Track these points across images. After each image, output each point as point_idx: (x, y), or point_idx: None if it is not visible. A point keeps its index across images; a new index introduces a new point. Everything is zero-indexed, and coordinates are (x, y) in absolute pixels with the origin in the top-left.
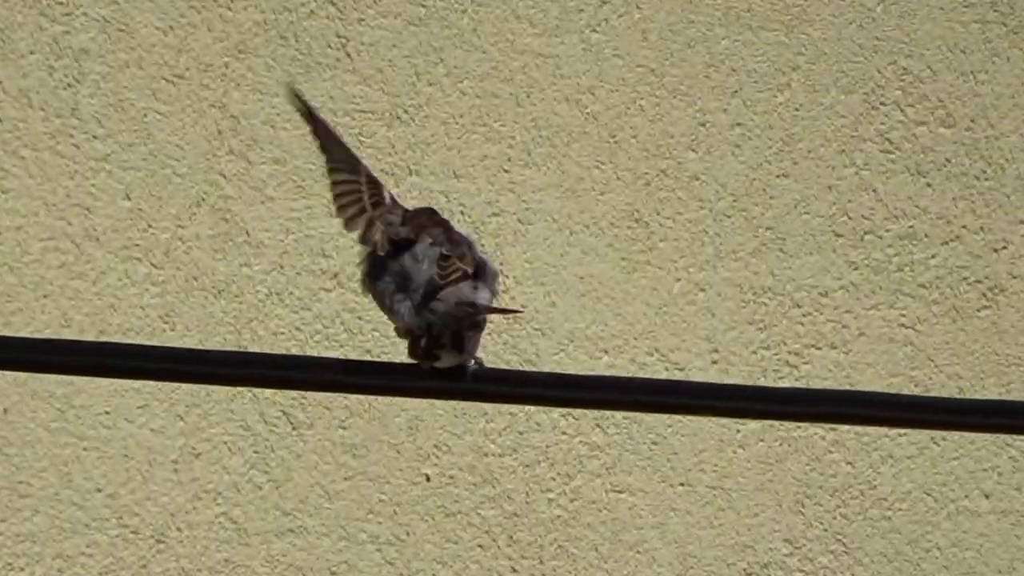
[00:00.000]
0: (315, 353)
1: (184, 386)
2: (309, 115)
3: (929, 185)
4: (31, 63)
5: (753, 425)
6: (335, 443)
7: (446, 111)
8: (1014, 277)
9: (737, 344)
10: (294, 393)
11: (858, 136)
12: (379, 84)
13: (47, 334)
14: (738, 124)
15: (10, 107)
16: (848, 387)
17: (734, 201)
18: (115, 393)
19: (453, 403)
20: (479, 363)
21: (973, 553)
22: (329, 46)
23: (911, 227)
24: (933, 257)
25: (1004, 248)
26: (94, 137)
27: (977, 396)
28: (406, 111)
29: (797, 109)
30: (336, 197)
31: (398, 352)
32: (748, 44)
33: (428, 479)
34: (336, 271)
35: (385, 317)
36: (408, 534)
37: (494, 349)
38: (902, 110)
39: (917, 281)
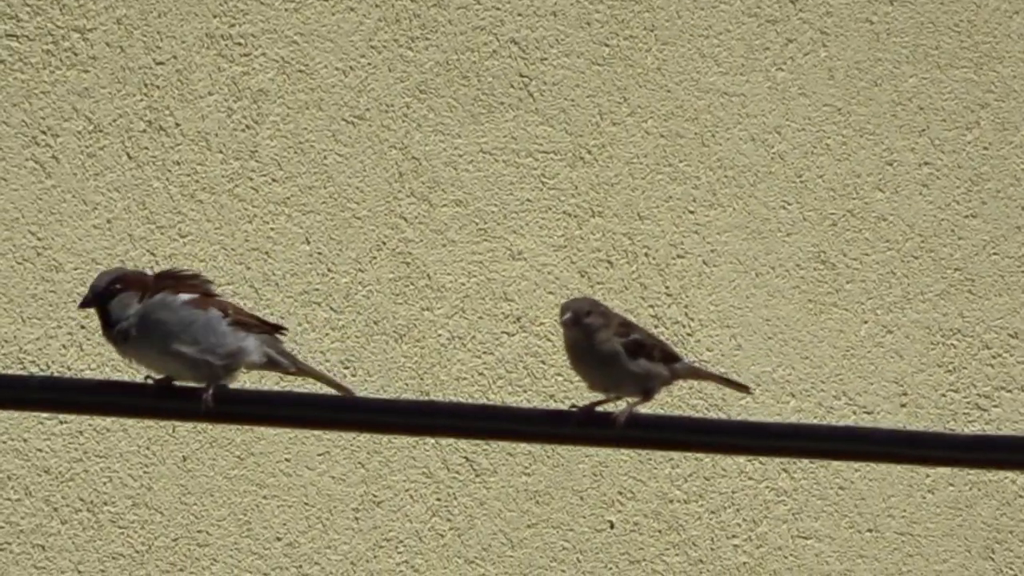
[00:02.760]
0: (498, 399)
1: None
2: None
3: None
4: (210, 105)
5: (942, 469)
6: (518, 490)
7: (630, 151)
8: None
9: (926, 387)
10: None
11: None
12: (562, 124)
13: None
14: (926, 163)
15: (188, 150)
16: None
17: (922, 242)
18: (295, 440)
19: (638, 449)
20: None
21: None
22: (512, 86)
23: None
24: None
25: None
26: (273, 180)
27: None
28: (589, 151)
29: (986, 148)
30: None
31: (581, 396)
32: (936, 82)
33: (612, 526)
34: (519, 315)
35: (568, 362)
36: None
37: (680, 394)
38: None
39: None
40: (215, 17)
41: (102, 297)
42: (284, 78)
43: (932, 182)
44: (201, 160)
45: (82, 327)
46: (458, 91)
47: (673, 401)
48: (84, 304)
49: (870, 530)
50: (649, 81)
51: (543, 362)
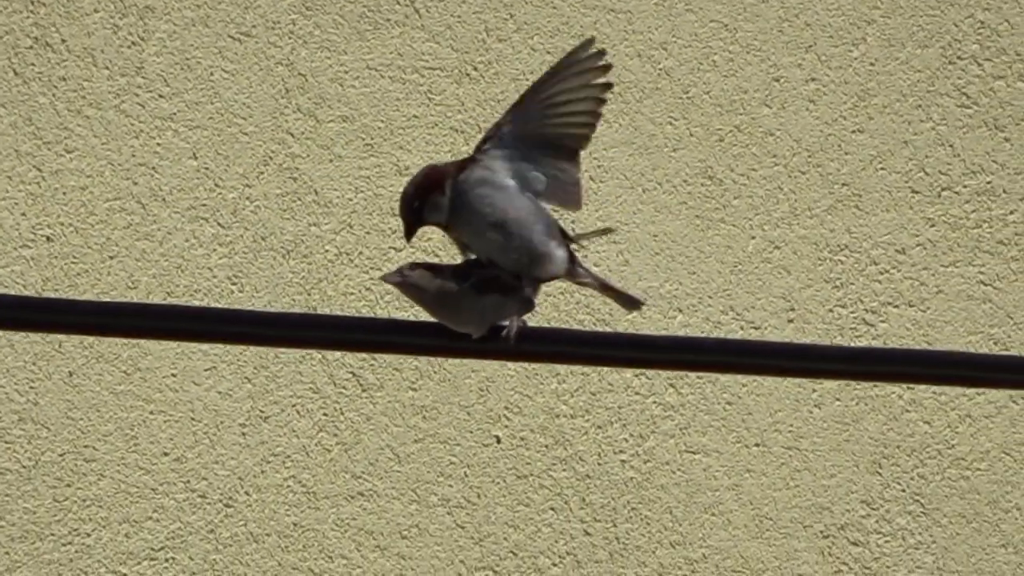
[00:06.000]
0: (385, 314)
1: (252, 348)
2: None
3: (1007, 140)
4: (95, 21)
5: (829, 384)
6: (405, 405)
7: (516, 67)
8: None
9: (813, 302)
10: (364, 355)
11: (935, 91)
12: (448, 41)
13: (113, 296)
14: (813, 79)
15: (74, 66)
16: (926, 345)
17: (809, 157)
18: (182, 356)
19: (525, 364)
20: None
21: None
22: (398, 2)
23: (989, 183)
24: (1012, 213)
25: None
26: (160, 96)
27: None
28: (476, 68)
29: (872, 64)
30: None
31: None
32: None
33: (499, 441)
34: None
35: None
36: (479, 496)
37: (567, 308)
38: (979, 64)
39: (995, 238)
40: None
41: (417, 216)
42: None
43: (819, 98)
44: (87, 76)
45: None
46: (344, 7)
47: (560, 316)
48: (409, 237)
49: (757, 445)
50: None
51: None
